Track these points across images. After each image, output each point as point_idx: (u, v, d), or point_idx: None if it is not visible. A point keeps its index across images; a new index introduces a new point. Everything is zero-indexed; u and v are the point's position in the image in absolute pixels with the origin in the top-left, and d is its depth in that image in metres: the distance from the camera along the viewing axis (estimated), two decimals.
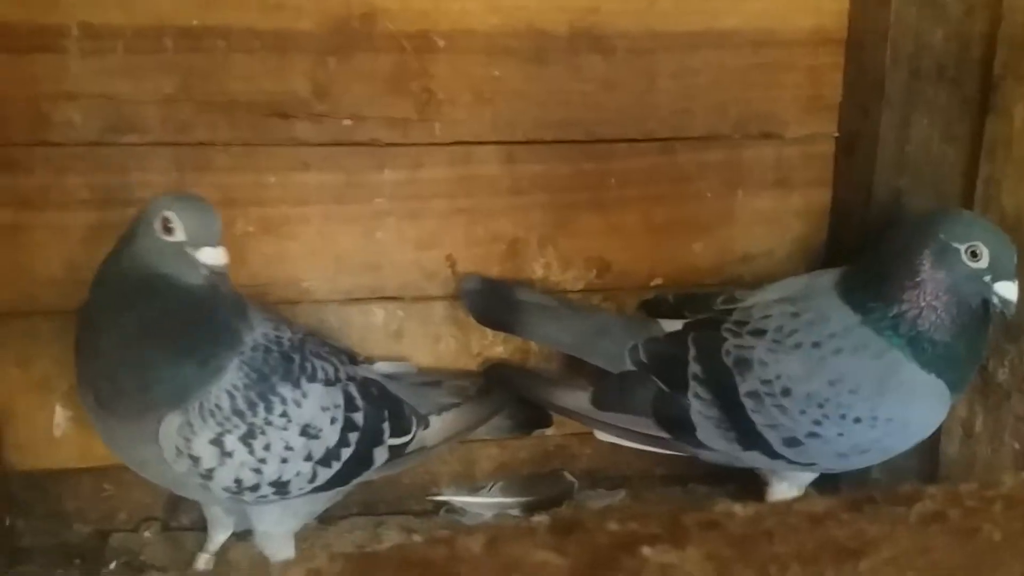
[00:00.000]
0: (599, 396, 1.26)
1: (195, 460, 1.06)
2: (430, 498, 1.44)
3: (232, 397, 1.07)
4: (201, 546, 1.28)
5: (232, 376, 1.08)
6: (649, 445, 1.27)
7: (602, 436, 1.29)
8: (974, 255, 1.10)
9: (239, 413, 1.07)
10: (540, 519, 0.49)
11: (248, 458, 1.08)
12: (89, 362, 1.08)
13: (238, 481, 1.09)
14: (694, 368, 1.20)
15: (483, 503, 1.44)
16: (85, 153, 1.24)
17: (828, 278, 1.22)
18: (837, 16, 1.40)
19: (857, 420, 1.14)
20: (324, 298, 1.34)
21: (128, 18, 1.21)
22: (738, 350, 1.19)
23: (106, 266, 1.09)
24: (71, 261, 1.25)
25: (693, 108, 1.39)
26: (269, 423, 1.09)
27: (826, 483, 1.31)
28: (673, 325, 1.27)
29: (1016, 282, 1.10)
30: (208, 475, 1.07)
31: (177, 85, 1.24)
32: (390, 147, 1.31)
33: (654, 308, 1.36)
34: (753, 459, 1.22)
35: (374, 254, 1.34)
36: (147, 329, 1.04)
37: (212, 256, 1.04)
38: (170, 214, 1.03)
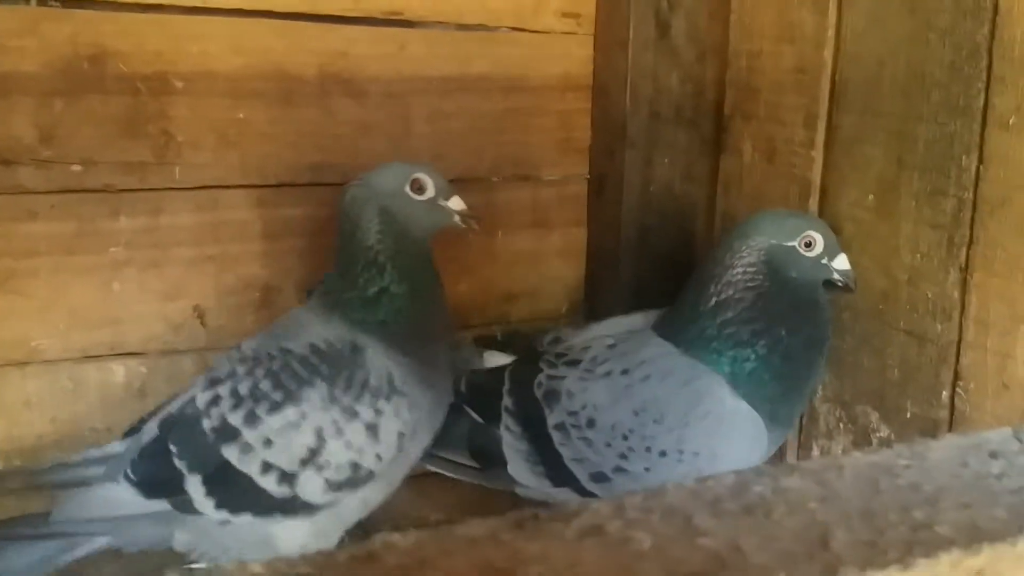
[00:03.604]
0: None
1: None
2: None
3: None
4: None
5: None
6: (475, 479, 1.21)
7: (433, 467, 1.23)
8: (808, 245, 1.05)
9: None
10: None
11: None
12: None
13: None
14: (507, 400, 1.17)
15: None
16: None
17: (650, 317, 1.16)
18: (583, 62, 1.45)
19: (663, 454, 1.04)
20: (56, 357, 1.24)
21: None
22: (550, 381, 1.13)
23: None
24: None
25: (449, 151, 1.40)
26: None
27: None
28: (503, 360, 1.24)
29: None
30: None
31: None
32: (125, 193, 1.24)
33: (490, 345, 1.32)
34: (565, 497, 1.13)
35: (112, 307, 1.26)
36: None
37: None
38: None
